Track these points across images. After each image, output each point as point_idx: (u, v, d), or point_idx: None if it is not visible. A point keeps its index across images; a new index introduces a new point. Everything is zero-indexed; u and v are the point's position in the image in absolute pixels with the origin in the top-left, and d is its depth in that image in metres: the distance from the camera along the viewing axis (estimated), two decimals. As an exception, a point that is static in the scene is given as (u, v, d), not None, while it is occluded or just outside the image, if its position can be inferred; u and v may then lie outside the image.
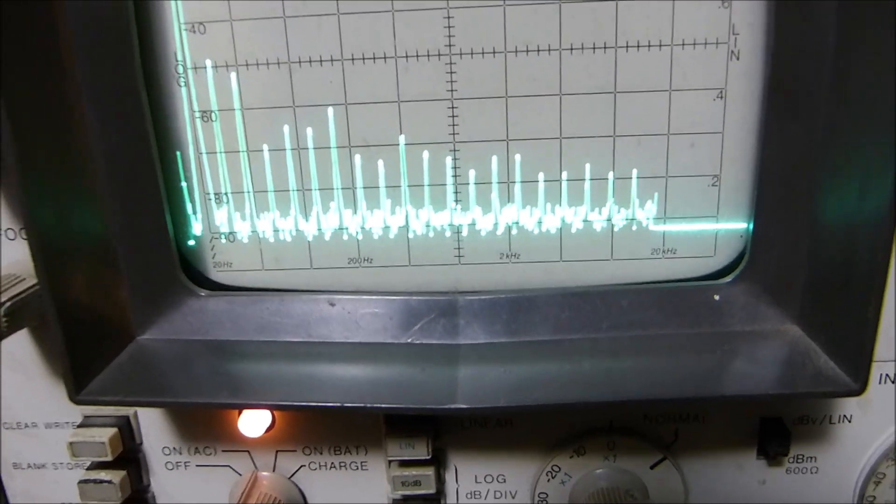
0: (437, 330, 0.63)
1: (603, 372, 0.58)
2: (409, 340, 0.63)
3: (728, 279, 0.63)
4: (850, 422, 0.67)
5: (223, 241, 0.67)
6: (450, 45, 0.61)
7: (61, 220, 0.58)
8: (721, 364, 0.59)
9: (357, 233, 0.66)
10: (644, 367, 0.59)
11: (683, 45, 0.60)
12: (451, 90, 0.62)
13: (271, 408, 0.61)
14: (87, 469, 0.69)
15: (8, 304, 0.61)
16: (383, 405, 0.57)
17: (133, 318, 0.64)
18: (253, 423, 0.67)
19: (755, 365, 0.58)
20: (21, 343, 0.68)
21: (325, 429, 0.69)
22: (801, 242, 0.60)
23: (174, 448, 0.71)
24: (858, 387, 0.55)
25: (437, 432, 0.67)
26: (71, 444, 0.67)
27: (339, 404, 0.57)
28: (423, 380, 0.59)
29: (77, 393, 0.59)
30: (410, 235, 0.66)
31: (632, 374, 0.58)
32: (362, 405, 0.57)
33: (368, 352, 0.62)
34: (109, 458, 0.67)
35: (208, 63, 0.62)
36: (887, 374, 0.65)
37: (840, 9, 0.54)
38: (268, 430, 0.68)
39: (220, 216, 0.66)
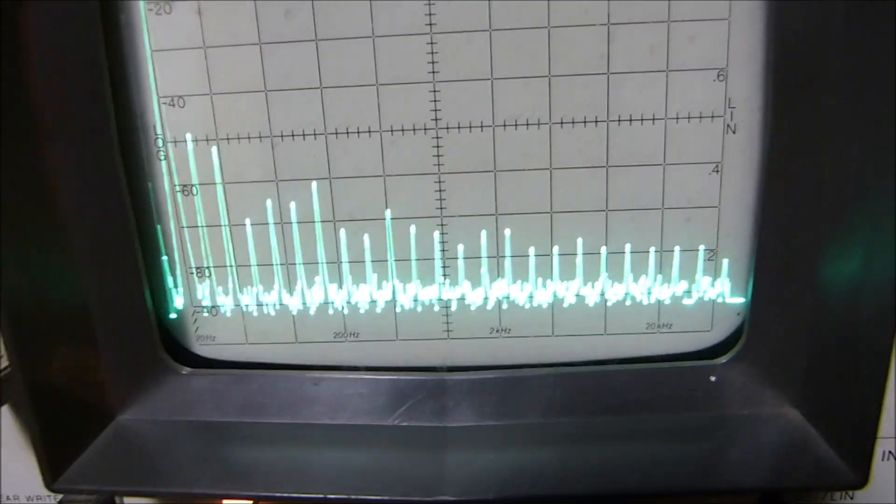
0: (425, 411, 0.61)
1: (595, 461, 0.57)
2: (395, 422, 0.61)
3: (724, 359, 0.61)
4: (851, 498, 0.65)
5: (206, 314, 0.65)
6: (436, 119, 0.59)
7: (35, 295, 0.57)
8: (717, 452, 0.57)
9: (343, 307, 0.64)
10: (638, 455, 0.57)
11: (678, 118, 0.58)
12: (438, 164, 0.60)
13: (255, 499, 0.59)
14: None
15: (-16, 385, 0.59)
16: (368, 497, 0.55)
17: (112, 396, 0.63)
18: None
19: (752, 454, 0.56)
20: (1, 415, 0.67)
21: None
22: (801, 320, 0.58)
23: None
24: (860, 480, 0.53)
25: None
26: (52, 521, 0.65)
27: (322, 496, 0.55)
28: (410, 467, 0.57)
29: (53, 481, 0.58)
30: (398, 310, 0.64)
31: (625, 464, 0.56)
32: (346, 497, 0.55)
33: (354, 434, 0.61)
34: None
35: (188, 137, 0.60)
36: (890, 451, 0.63)
37: (841, 83, 0.52)
38: (253, 505, 0.67)
39: (203, 290, 0.64)
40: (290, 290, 0.64)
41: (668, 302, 0.62)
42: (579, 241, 0.61)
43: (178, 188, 0.62)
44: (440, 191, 0.60)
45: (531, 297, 0.63)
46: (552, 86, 0.58)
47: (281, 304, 0.64)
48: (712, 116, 0.58)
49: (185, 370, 0.64)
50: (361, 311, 0.64)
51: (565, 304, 0.63)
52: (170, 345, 0.65)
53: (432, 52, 0.57)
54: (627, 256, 0.61)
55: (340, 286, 0.63)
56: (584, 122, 0.58)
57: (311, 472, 0.58)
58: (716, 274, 0.61)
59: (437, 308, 0.64)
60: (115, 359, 0.62)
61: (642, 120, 0.58)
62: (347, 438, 0.60)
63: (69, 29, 0.56)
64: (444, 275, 0.63)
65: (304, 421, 0.62)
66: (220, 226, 0.62)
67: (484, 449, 0.58)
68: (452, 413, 0.61)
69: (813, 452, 0.56)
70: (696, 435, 0.58)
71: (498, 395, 0.61)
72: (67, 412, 0.59)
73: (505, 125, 0.59)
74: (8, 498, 0.70)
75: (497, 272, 0.62)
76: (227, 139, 0.60)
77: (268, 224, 0.62)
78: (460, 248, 0.62)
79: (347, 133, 0.59)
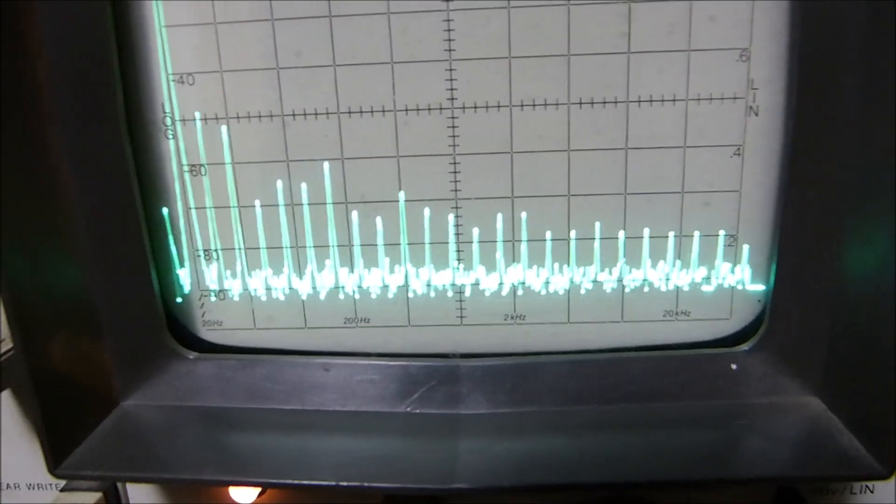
0: (437, 398, 0.60)
1: (611, 449, 0.55)
2: (407, 409, 0.60)
3: (745, 347, 0.59)
4: (871, 492, 0.64)
5: (213, 298, 0.64)
6: (452, 99, 0.57)
7: (38, 279, 0.56)
8: (736, 441, 0.56)
9: (354, 292, 0.63)
10: (654, 444, 0.56)
11: (699, 100, 0.57)
12: (454, 145, 0.59)
13: (262, 485, 0.58)
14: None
15: (-15, 370, 0.57)
16: (380, 485, 0.53)
17: (117, 382, 0.61)
18: (244, 490, 0.64)
19: (772, 443, 0.55)
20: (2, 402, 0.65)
21: (320, 498, 0.65)
22: (823, 307, 0.57)
23: (162, 513, 0.68)
24: (886, 471, 0.52)
25: None
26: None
27: (333, 483, 0.54)
28: (422, 455, 0.56)
29: (56, 466, 0.56)
30: (410, 295, 0.62)
31: (641, 453, 0.55)
32: (358, 484, 0.54)
33: (365, 422, 0.59)
34: (93, 524, 0.64)
35: (197, 115, 0.59)
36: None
37: (866, 66, 0.50)
38: (260, 495, 0.65)
39: (210, 273, 0.63)
40: (300, 274, 0.62)
41: (686, 289, 0.61)
42: (597, 225, 0.60)
43: (185, 168, 0.60)
44: (455, 172, 0.59)
45: (547, 282, 0.61)
46: (571, 65, 0.56)
47: (290, 289, 0.63)
48: (734, 98, 0.56)
49: (192, 355, 0.62)
50: (373, 296, 0.63)
51: (582, 291, 0.62)
52: (176, 329, 0.64)
53: (448, 30, 0.56)
54: (646, 241, 0.60)
55: (352, 270, 0.62)
56: (604, 102, 0.57)
57: (320, 459, 0.56)
58: (736, 260, 0.60)
59: (450, 293, 0.62)
60: (120, 343, 0.61)
61: (662, 101, 0.57)
62: (358, 425, 0.59)
63: (77, 4, 0.54)
64: (459, 259, 0.61)
65: (314, 408, 0.60)
66: (229, 207, 0.61)
67: (498, 437, 0.57)
68: (466, 400, 0.60)
69: (836, 442, 0.54)
70: (715, 424, 0.57)
71: (512, 383, 0.60)
72: (71, 397, 0.58)
73: (522, 105, 0.57)
74: (8, 486, 0.69)
75: (512, 257, 0.61)
76: (238, 118, 0.59)
77: (278, 206, 0.61)
78: (475, 231, 0.60)
79: (361, 112, 0.58)
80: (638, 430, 0.57)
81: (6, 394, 0.65)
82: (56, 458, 0.56)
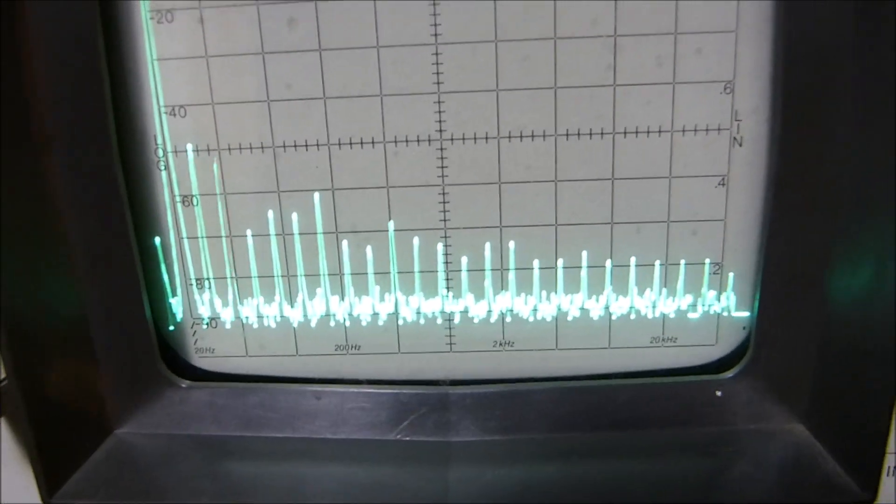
0: (428, 426, 0.60)
1: (600, 476, 0.56)
2: (398, 437, 0.60)
3: (730, 374, 0.60)
4: (856, 514, 0.65)
5: (205, 326, 0.64)
6: (441, 131, 0.58)
7: (32, 308, 0.56)
8: (722, 467, 0.56)
9: (344, 319, 0.63)
10: (641, 471, 0.56)
11: (684, 131, 0.58)
12: (443, 176, 0.59)
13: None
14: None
15: (-22, 400, 0.58)
16: (371, 514, 0.54)
17: (110, 410, 0.62)
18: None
19: (758, 469, 0.55)
20: None
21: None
22: (808, 335, 0.58)
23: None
24: (868, 496, 0.53)
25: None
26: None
27: (324, 513, 0.54)
28: (413, 483, 0.56)
29: (51, 495, 0.57)
30: (400, 322, 0.63)
31: (629, 480, 0.56)
32: (349, 514, 0.54)
33: (356, 449, 0.60)
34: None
35: (189, 147, 0.60)
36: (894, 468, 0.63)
37: (850, 97, 0.51)
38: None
39: (202, 301, 0.64)
40: (291, 302, 0.63)
41: (672, 315, 0.62)
42: (584, 253, 0.61)
43: (178, 198, 0.61)
44: (444, 202, 0.60)
45: (535, 310, 0.62)
46: (558, 97, 0.57)
47: (282, 316, 0.63)
48: (719, 129, 0.57)
49: (185, 383, 0.63)
50: (363, 323, 0.63)
51: (569, 318, 0.62)
52: (168, 357, 0.64)
53: (437, 63, 0.57)
54: (632, 270, 0.61)
55: (342, 298, 0.63)
56: (590, 134, 0.58)
57: (312, 487, 0.57)
58: (721, 287, 0.61)
59: (439, 321, 0.63)
60: (114, 371, 0.61)
61: (648, 132, 0.58)
62: (349, 453, 0.60)
63: (70, 36, 0.55)
64: (448, 287, 0.62)
65: (306, 435, 0.61)
66: (221, 237, 0.62)
67: (488, 464, 0.58)
68: (456, 428, 0.60)
69: (820, 468, 0.55)
70: (702, 450, 0.58)
71: (501, 410, 0.61)
72: (65, 425, 0.58)
73: (510, 137, 0.58)
74: (3, 512, 0.69)
75: (501, 285, 0.62)
76: (229, 149, 0.59)
77: (269, 235, 0.61)
78: (464, 260, 0.61)
79: (351, 144, 0.59)
80: (625, 457, 0.58)
81: (2, 420, 0.65)
82: (50, 487, 0.57)
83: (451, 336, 0.63)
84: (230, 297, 0.63)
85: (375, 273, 0.62)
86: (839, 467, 0.55)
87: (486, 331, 0.63)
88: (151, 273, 0.62)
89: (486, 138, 0.58)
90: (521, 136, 0.58)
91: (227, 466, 0.60)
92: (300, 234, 0.61)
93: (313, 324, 0.63)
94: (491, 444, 0.60)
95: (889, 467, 0.61)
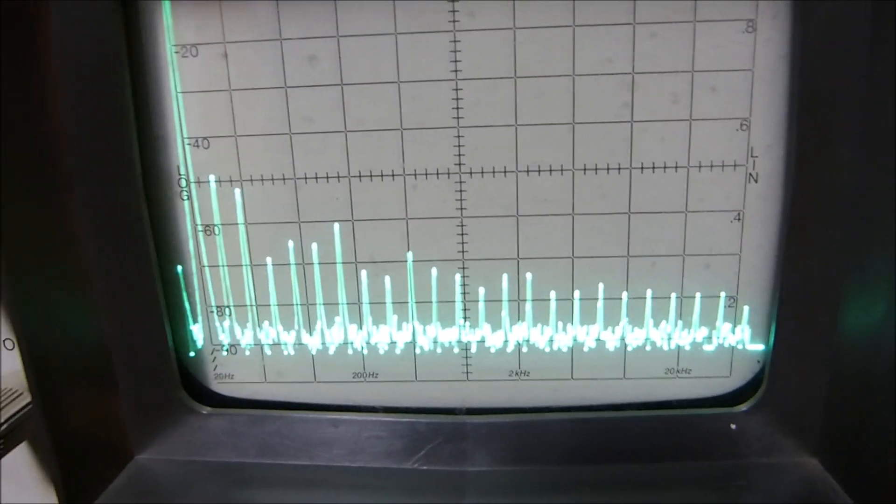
0: (444, 455, 0.61)
1: (614, 510, 0.56)
2: (414, 466, 0.61)
3: (744, 407, 0.61)
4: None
5: (225, 353, 0.65)
6: (460, 164, 0.59)
7: (56, 335, 0.57)
8: (734, 501, 0.57)
9: (362, 347, 0.64)
10: (656, 503, 0.57)
11: (700, 167, 0.58)
12: (461, 208, 0.60)
13: (272, 545, 0.59)
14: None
15: (4, 425, 0.59)
16: (388, 545, 0.55)
17: (131, 436, 0.63)
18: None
19: (770, 503, 0.56)
20: (16, 452, 0.66)
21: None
22: (822, 369, 0.58)
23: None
24: (881, 533, 0.53)
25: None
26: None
27: (341, 543, 0.55)
28: (429, 513, 0.57)
29: (73, 521, 0.57)
30: (417, 351, 0.64)
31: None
32: (366, 545, 0.55)
33: (373, 478, 0.60)
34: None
35: (212, 178, 0.61)
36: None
37: (863, 134, 0.52)
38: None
39: (223, 328, 0.64)
40: (310, 330, 0.64)
41: (687, 347, 0.62)
42: (600, 286, 0.61)
43: (200, 228, 0.62)
44: (462, 234, 0.61)
45: (551, 340, 0.63)
46: (575, 133, 0.58)
47: (300, 344, 0.64)
48: (734, 165, 0.58)
49: (205, 409, 0.64)
50: (381, 351, 0.64)
51: (585, 349, 0.63)
52: (188, 383, 0.65)
53: (457, 98, 0.58)
54: (648, 302, 0.61)
55: (360, 327, 0.63)
56: (607, 169, 0.58)
57: (330, 516, 0.58)
58: (736, 321, 0.61)
59: (456, 350, 0.64)
60: (135, 397, 0.62)
61: (665, 168, 0.58)
62: (366, 482, 0.60)
63: (96, 71, 0.56)
64: (465, 317, 0.63)
65: (323, 463, 0.62)
66: (242, 265, 0.63)
67: (503, 494, 0.58)
68: (472, 457, 0.61)
69: (832, 503, 0.55)
70: (714, 484, 0.58)
71: (516, 440, 0.61)
72: (87, 451, 0.59)
73: (528, 171, 0.59)
74: (24, 536, 0.70)
75: (517, 315, 0.62)
76: (251, 180, 0.60)
77: (289, 265, 0.62)
78: (481, 291, 0.62)
79: (371, 176, 0.60)
80: (639, 489, 0.58)
81: (24, 445, 0.66)
82: (73, 514, 0.57)
83: (467, 365, 0.64)
84: (250, 324, 0.64)
85: (393, 302, 0.63)
86: (851, 502, 0.55)
87: (502, 360, 0.64)
88: (173, 301, 0.63)
89: (505, 172, 0.59)
90: (539, 171, 0.59)
91: (245, 493, 0.60)
92: (320, 263, 0.62)
93: (331, 351, 0.64)
94: (506, 474, 0.61)
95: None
